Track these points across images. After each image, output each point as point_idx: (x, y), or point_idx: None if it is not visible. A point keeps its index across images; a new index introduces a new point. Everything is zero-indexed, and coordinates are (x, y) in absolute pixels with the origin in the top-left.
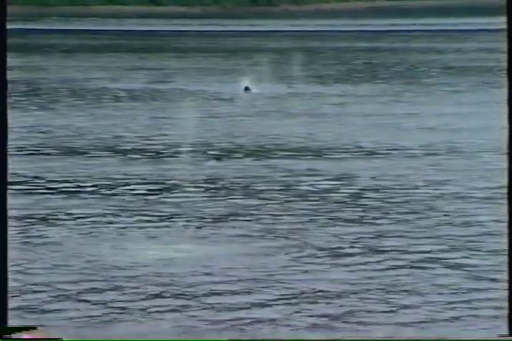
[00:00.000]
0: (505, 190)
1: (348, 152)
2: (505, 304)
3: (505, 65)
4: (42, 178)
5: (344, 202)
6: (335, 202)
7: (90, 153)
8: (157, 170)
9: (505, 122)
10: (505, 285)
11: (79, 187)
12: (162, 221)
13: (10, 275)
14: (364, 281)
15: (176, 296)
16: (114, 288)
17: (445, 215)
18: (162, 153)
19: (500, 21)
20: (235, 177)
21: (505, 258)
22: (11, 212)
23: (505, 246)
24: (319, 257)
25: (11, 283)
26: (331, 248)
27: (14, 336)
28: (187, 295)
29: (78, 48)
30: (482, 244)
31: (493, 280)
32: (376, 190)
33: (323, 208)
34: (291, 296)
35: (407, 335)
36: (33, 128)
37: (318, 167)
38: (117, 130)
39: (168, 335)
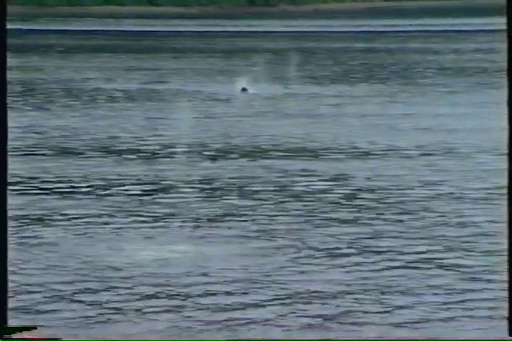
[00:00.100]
0: (500, 191)
1: (344, 152)
2: (505, 304)
3: (502, 65)
4: (37, 179)
5: (340, 202)
6: (330, 203)
7: (86, 153)
8: (152, 170)
9: (505, 123)
10: (506, 285)
11: (74, 187)
12: (157, 221)
13: None
14: (359, 282)
15: (171, 297)
16: (109, 289)
17: (440, 216)
18: (158, 154)
19: (498, 22)
20: (230, 178)
21: (499, 259)
22: None
23: (504, 246)
24: (315, 258)
25: None
26: (327, 248)
27: (14, 336)
28: (182, 295)
29: (75, 49)
30: (477, 244)
31: (488, 280)
32: (372, 191)
33: (319, 208)
34: (286, 297)
35: (401, 336)
36: (28, 129)
37: (314, 167)
38: (113, 130)
39: (163, 336)
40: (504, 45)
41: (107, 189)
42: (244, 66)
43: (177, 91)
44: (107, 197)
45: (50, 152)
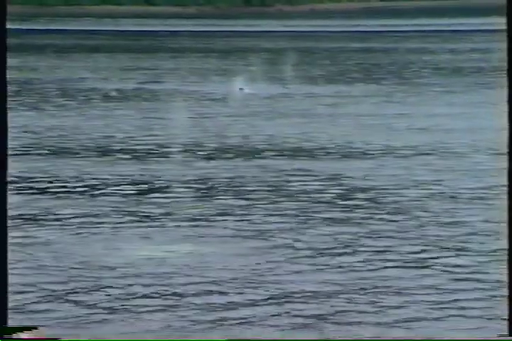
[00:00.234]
0: (496, 191)
1: (339, 152)
2: (498, 304)
3: (498, 65)
4: (31, 178)
5: (335, 202)
6: (326, 202)
7: (81, 153)
8: (147, 170)
9: (504, 122)
10: (505, 285)
11: (68, 187)
12: (152, 221)
13: None
14: (353, 282)
15: (165, 296)
16: (104, 288)
17: (435, 216)
18: (153, 154)
19: (494, 22)
20: (226, 178)
21: (493, 259)
22: None
23: (499, 246)
24: (309, 257)
25: None
26: (321, 248)
27: (14, 336)
28: (177, 295)
29: (72, 48)
30: (471, 244)
31: (481, 280)
32: (367, 190)
33: (314, 208)
34: (280, 296)
35: (396, 335)
36: (23, 129)
37: (309, 167)
38: (108, 130)
39: (158, 335)
40: (501, 45)
41: (102, 189)
42: (241, 66)
43: (173, 91)
44: (102, 197)
45: (45, 152)
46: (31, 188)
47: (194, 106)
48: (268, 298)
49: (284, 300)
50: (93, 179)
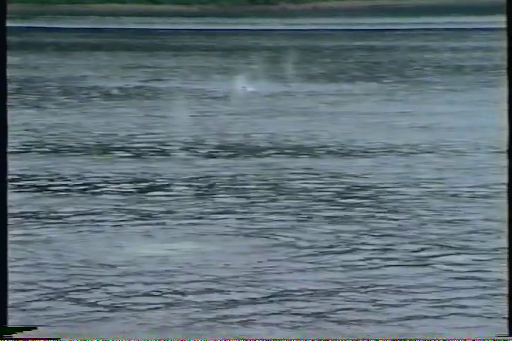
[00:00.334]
0: (496, 189)
1: (341, 150)
2: (497, 303)
3: (500, 63)
4: (31, 176)
5: (336, 200)
6: (327, 201)
7: (82, 151)
8: (149, 168)
9: (504, 121)
10: (506, 283)
11: (69, 185)
12: (153, 219)
13: None
14: (352, 280)
15: (166, 294)
16: (104, 286)
17: (436, 214)
18: (154, 152)
19: (496, 20)
20: (227, 176)
21: (494, 257)
22: None
23: (499, 245)
24: (309, 255)
25: None
26: (322, 246)
27: (14, 336)
28: (178, 293)
29: (74, 46)
30: (471, 242)
31: (482, 279)
32: (368, 188)
33: (315, 206)
34: (281, 295)
35: (396, 333)
36: (23, 127)
37: (311, 165)
38: (110, 128)
39: (159, 334)
40: (503, 43)
41: (103, 187)
42: (243, 64)
43: (175, 89)
44: (103, 195)
45: (46, 150)
46: (32, 186)
47: (196, 105)
48: (269, 296)
49: (285, 298)
50: (94, 177)
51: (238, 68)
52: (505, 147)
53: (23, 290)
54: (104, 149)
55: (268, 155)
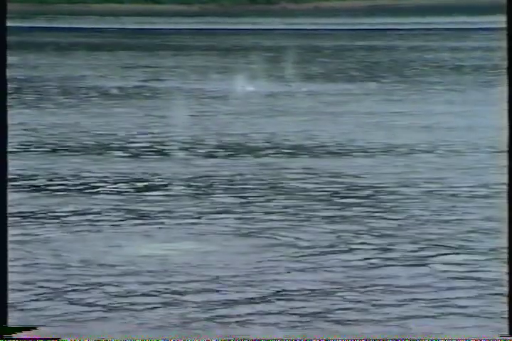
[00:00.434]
0: (495, 189)
1: (341, 150)
2: (495, 302)
3: (501, 63)
4: (30, 176)
5: (335, 200)
6: (326, 200)
7: (81, 151)
8: (147, 168)
9: (504, 121)
10: (504, 283)
11: (67, 185)
12: (152, 219)
13: None
14: (349, 280)
15: (165, 294)
16: (103, 286)
17: (435, 214)
18: (153, 151)
19: (496, 20)
20: (226, 176)
21: (491, 257)
22: None
23: (497, 245)
24: (308, 255)
25: None
26: (321, 246)
27: (14, 336)
28: (176, 293)
29: (74, 46)
30: (471, 242)
31: (480, 279)
32: (367, 188)
33: (315, 206)
34: (280, 294)
35: (394, 333)
36: (21, 126)
37: (310, 165)
38: (109, 128)
39: (157, 333)
40: (503, 43)
41: (102, 186)
42: (244, 64)
43: (175, 89)
44: (102, 195)
45: (45, 149)
46: (30, 186)
47: (195, 104)
48: (267, 296)
49: (283, 298)
50: (93, 177)
51: (238, 68)
52: (504, 147)
53: (21, 290)
54: (103, 149)
55: (267, 155)
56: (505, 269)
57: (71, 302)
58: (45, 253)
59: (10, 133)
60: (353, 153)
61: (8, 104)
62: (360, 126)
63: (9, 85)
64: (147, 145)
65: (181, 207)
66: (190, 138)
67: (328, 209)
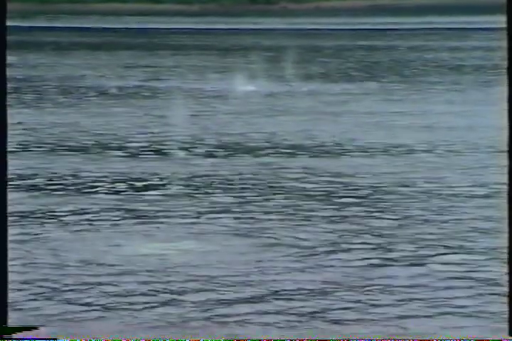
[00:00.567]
0: (495, 189)
1: (340, 150)
2: (501, 303)
3: (501, 63)
4: (29, 176)
5: (334, 199)
6: (325, 200)
7: (79, 150)
8: (146, 167)
9: (504, 121)
10: (503, 283)
11: (66, 184)
12: (151, 218)
13: None
14: (349, 279)
15: (163, 293)
16: (101, 285)
17: (433, 213)
18: (152, 151)
19: (497, 20)
20: (225, 175)
21: (492, 257)
22: None
23: (496, 245)
24: (307, 255)
25: None
26: (319, 245)
27: (14, 336)
28: (174, 292)
29: (73, 46)
30: (469, 242)
31: (478, 279)
32: (366, 188)
33: (313, 206)
34: (278, 294)
35: (391, 333)
36: (20, 126)
37: (309, 165)
38: (108, 127)
39: (155, 332)
40: (503, 43)
41: (100, 186)
42: (244, 63)
43: (174, 88)
44: (100, 195)
45: (44, 149)
46: (29, 185)
47: (195, 104)
48: (266, 296)
49: (281, 297)
50: (92, 176)
51: (238, 67)
52: (504, 147)
53: (20, 290)
54: (102, 148)
55: (266, 155)
56: (506, 269)
57: (69, 302)
58: (43, 252)
59: (9, 132)
60: (353, 153)
61: (8, 103)
62: (359, 126)
63: (9, 85)
64: (146, 144)
65: (180, 206)
66: (190, 138)
67: (326, 208)
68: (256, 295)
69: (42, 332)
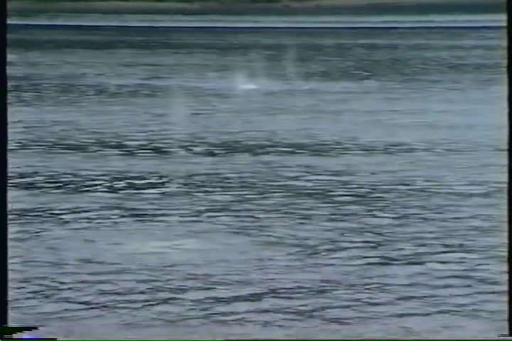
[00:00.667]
0: (497, 187)
1: (340, 148)
2: (500, 301)
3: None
4: (28, 174)
5: (334, 198)
6: (325, 198)
7: (79, 148)
8: (146, 166)
9: (504, 119)
10: (501, 282)
11: (65, 182)
12: (150, 217)
13: None
14: (348, 278)
15: (163, 292)
16: (100, 284)
17: (433, 212)
18: (152, 149)
19: (497, 19)
20: (225, 173)
21: (491, 255)
22: None
23: (496, 243)
24: (307, 253)
25: None
26: (319, 244)
27: (14, 336)
28: (174, 291)
29: (74, 44)
30: (468, 241)
31: (477, 277)
32: (366, 186)
33: (312, 204)
34: (277, 292)
35: (389, 333)
36: (20, 124)
37: (310, 163)
38: (108, 126)
39: (154, 331)
40: (503, 42)
41: (100, 184)
42: (245, 62)
43: (175, 86)
44: (100, 193)
45: (43, 147)
46: (28, 183)
47: (195, 102)
48: (264, 294)
49: (279, 296)
50: (91, 174)
51: (239, 66)
52: (504, 145)
53: (18, 288)
54: (102, 146)
55: (266, 153)
56: (506, 268)
57: (68, 300)
58: (42, 250)
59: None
60: (352, 151)
61: (9, 101)
62: (359, 125)
63: (9, 83)
64: (146, 143)
65: (179, 204)
66: (189, 136)
67: (326, 207)
68: (255, 294)
69: (41, 331)
